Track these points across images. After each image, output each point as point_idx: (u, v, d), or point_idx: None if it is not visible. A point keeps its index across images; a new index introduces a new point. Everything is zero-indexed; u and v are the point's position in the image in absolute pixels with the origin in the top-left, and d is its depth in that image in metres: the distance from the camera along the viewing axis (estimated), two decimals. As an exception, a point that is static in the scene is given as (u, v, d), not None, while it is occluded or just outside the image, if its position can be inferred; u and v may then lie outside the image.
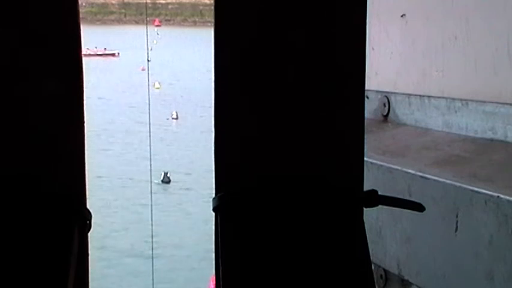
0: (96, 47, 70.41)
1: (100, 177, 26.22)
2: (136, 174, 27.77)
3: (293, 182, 1.50)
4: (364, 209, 1.53)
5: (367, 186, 1.55)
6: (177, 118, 41.05)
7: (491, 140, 3.42)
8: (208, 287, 15.91)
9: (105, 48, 72.27)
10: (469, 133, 3.57)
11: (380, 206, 1.55)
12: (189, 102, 44.66)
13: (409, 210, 1.65)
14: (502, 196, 2.80)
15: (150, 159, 21.82)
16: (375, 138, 3.90)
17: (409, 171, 3.29)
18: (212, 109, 1.53)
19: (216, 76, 1.52)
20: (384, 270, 3.54)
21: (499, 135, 3.39)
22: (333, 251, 1.48)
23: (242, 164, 1.51)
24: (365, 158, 1.57)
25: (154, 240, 18.54)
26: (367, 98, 4.13)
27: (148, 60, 43.32)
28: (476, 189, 2.93)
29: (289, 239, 1.48)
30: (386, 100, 4.13)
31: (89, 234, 1.51)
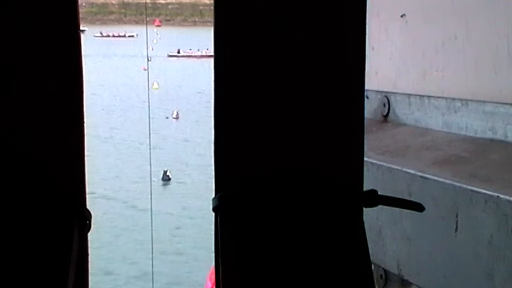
0: (198, 49, 69.89)
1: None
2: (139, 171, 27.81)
3: (293, 182, 1.50)
4: (364, 209, 1.54)
5: (367, 186, 1.55)
6: (177, 118, 40.87)
7: (491, 140, 3.42)
8: (206, 285, 15.91)
9: (207, 49, 71.76)
10: (468, 133, 3.57)
11: (380, 206, 1.55)
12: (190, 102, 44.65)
13: (409, 210, 1.65)
14: (501, 196, 2.80)
15: (150, 158, 21.82)
16: (375, 138, 3.90)
17: (409, 171, 3.29)
18: (212, 109, 1.53)
19: (216, 76, 1.52)
20: (384, 270, 3.54)
21: (499, 135, 3.39)
22: (332, 251, 1.48)
23: (242, 164, 1.52)
24: (365, 158, 1.57)
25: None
26: (367, 98, 4.14)
27: (148, 60, 43.28)
28: (476, 189, 2.93)
29: (289, 239, 1.48)
30: (386, 100, 4.13)
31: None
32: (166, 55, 70.30)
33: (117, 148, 34.18)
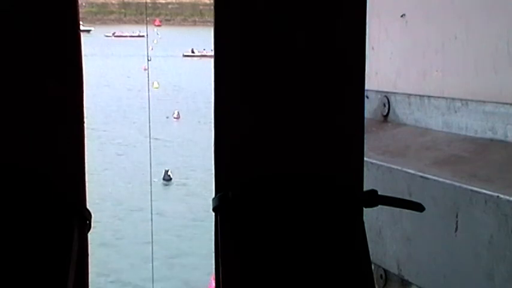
0: (211, 50, 70.02)
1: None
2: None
3: (293, 183, 1.50)
4: (364, 209, 1.54)
5: (367, 186, 1.55)
6: (178, 117, 40.54)
7: (491, 140, 3.42)
8: (210, 285, 15.89)
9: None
10: (468, 133, 3.57)
11: (380, 206, 1.55)
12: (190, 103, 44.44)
13: (409, 210, 1.65)
14: (501, 196, 2.80)
15: (150, 158, 21.80)
16: (375, 138, 3.90)
17: (409, 171, 3.29)
18: (212, 109, 1.53)
19: (216, 76, 1.52)
20: (384, 270, 3.54)
21: (499, 135, 3.39)
22: (332, 251, 1.48)
23: (242, 164, 1.52)
24: (365, 158, 1.57)
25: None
26: (367, 98, 4.14)
27: (148, 60, 43.21)
28: (476, 189, 2.93)
29: (289, 239, 1.48)
30: (386, 100, 4.14)
31: None
32: (182, 55, 70.77)
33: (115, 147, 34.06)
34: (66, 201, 1.47)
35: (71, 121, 1.49)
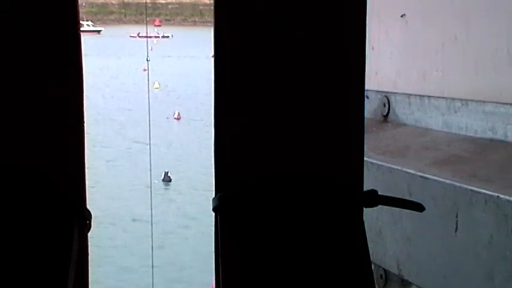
0: None
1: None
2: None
3: (293, 183, 1.50)
4: (364, 209, 1.53)
5: (367, 186, 1.55)
6: (179, 118, 40.48)
7: (491, 140, 3.42)
8: (212, 285, 15.81)
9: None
10: (468, 133, 3.57)
11: (380, 206, 1.54)
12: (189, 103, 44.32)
13: (409, 210, 1.64)
14: (501, 196, 2.80)
15: (150, 159, 21.79)
16: (375, 138, 3.90)
17: (409, 171, 3.29)
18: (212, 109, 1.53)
19: (216, 76, 1.52)
20: (384, 270, 3.54)
21: (499, 135, 3.39)
22: (333, 251, 1.48)
23: (242, 164, 1.51)
24: (365, 158, 1.57)
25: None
26: (367, 98, 4.14)
27: (147, 60, 43.23)
28: (475, 189, 2.93)
29: (289, 239, 1.48)
30: (386, 100, 4.14)
31: None
32: (211, 56, 71.25)
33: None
34: (66, 201, 1.47)
35: (71, 121, 1.49)
